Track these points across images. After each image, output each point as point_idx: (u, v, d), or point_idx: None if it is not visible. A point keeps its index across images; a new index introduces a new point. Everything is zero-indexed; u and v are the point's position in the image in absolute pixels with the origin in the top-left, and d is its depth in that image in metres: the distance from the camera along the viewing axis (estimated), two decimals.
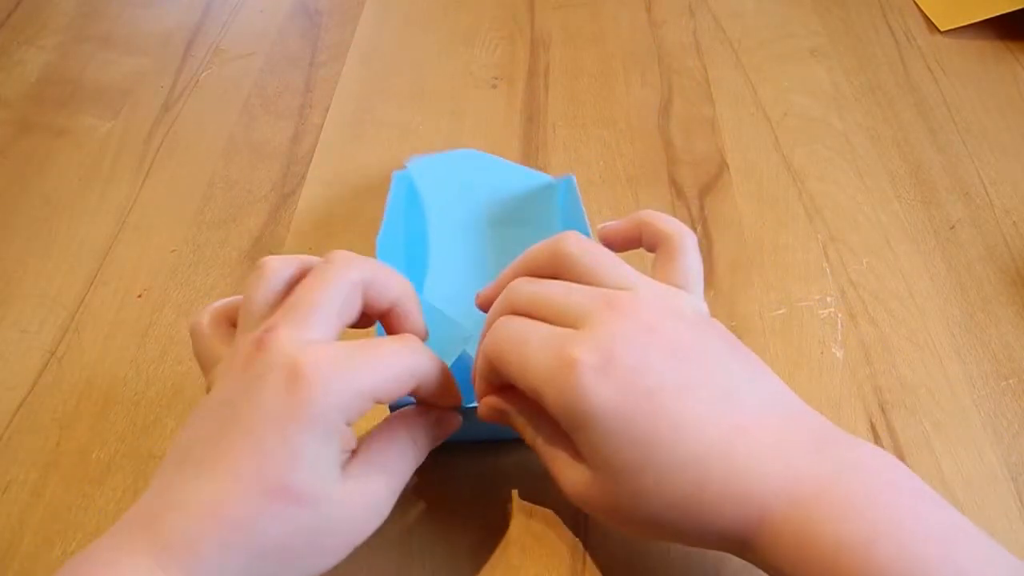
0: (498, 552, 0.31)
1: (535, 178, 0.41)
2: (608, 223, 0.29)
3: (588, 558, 0.30)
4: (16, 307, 0.39)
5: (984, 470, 0.33)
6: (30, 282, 0.40)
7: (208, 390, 0.25)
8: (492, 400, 0.28)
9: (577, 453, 0.24)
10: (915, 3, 0.59)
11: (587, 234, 0.34)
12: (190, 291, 0.40)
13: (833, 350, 0.37)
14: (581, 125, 0.49)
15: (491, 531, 0.31)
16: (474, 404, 0.28)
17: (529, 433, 0.27)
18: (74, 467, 0.33)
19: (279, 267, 0.25)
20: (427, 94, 0.51)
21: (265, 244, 0.42)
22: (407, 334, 0.27)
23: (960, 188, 0.46)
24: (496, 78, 0.52)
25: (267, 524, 0.21)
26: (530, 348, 0.24)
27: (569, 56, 0.54)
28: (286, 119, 0.49)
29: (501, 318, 0.26)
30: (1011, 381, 0.36)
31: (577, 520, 0.31)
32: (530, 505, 0.32)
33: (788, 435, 0.23)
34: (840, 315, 0.39)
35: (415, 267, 0.39)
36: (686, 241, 0.27)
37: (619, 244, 0.29)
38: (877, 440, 0.34)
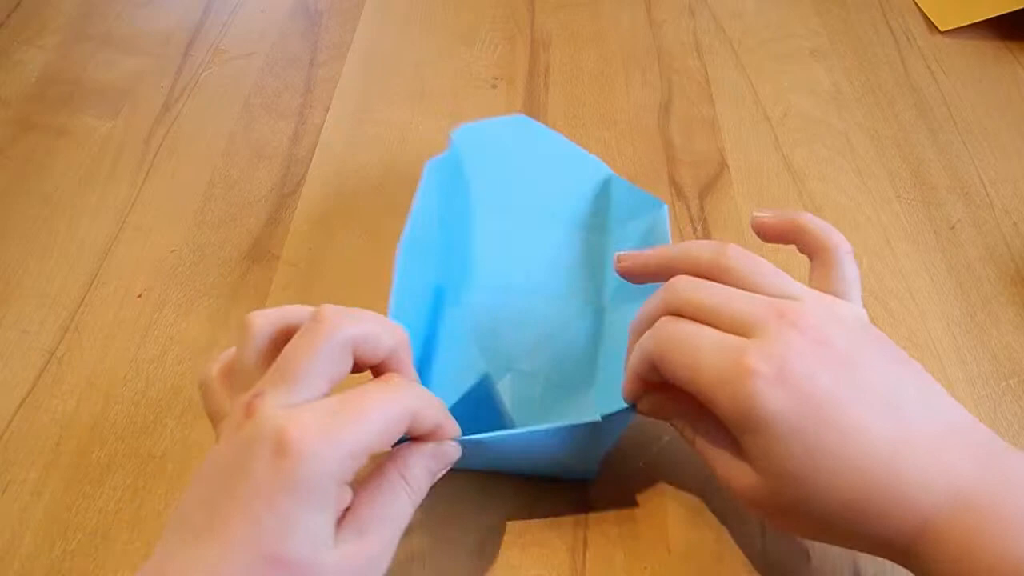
0: (498, 552, 0.31)
1: (590, 164, 0.39)
2: (763, 213, 0.30)
3: (588, 558, 0.31)
4: (16, 307, 0.39)
5: None
6: (30, 282, 0.40)
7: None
8: (657, 398, 0.28)
9: (741, 453, 0.25)
10: (915, 3, 0.59)
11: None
12: (190, 291, 0.40)
13: None
14: (581, 125, 0.49)
15: (491, 531, 0.31)
16: (478, 436, 0.28)
17: (689, 432, 0.28)
18: (74, 467, 0.33)
19: (263, 324, 0.25)
20: (427, 94, 0.51)
21: (265, 244, 0.42)
22: (390, 374, 0.26)
23: (960, 188, 0.46)
24: (496, 78, 0.52)
25: None
26: (703, 354, 0.25)
27: (569, 56, 0.54)
28: (286, 119, 0.49)
29: (665, 317, 0.27)
30: (1011, 381, 0.36)
31: (577, 520, 0.31)
32: (530, 505, 0.32)
33: (953, 446, 0.23)
34: None
35: (455, 256, 0.38)
36: (844, 251, 0.28)
37: (770, 236, 0.30)
38: None
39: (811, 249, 0.29)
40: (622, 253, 0.30)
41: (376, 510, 0.24)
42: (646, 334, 0.27)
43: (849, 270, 0.28)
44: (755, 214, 0.30)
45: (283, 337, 0.25)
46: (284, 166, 0.46)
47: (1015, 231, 0.43)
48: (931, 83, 0.52)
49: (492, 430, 0.28)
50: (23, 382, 0.36)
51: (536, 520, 0.31)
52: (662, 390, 0.28)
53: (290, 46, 0.55)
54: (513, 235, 0.39)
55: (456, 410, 0.27)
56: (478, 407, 0.28)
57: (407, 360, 0.27)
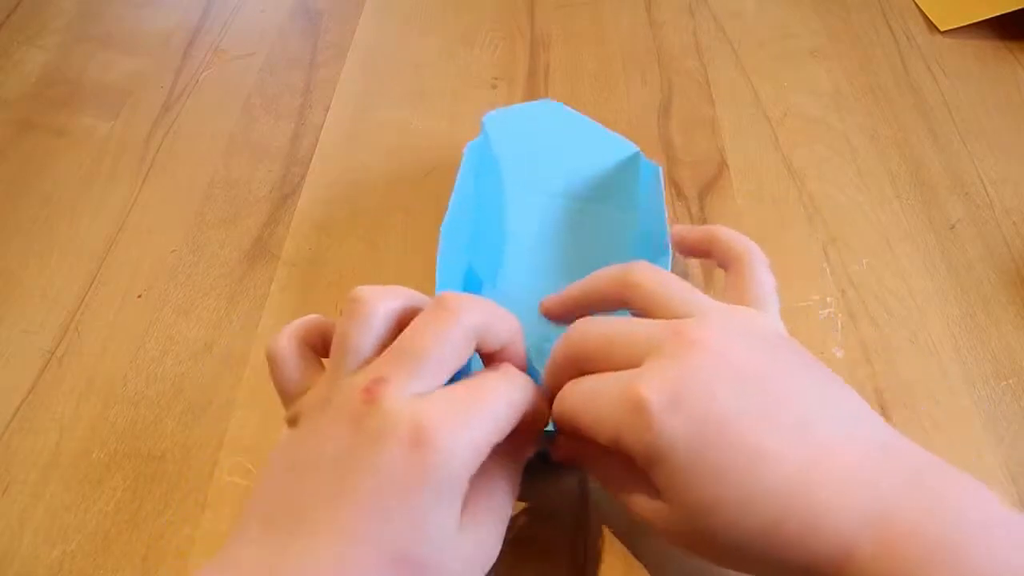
0: (498, 552, 0.31)
1: (617, 144, 0.40)
2: (681, 226, 0.30)
3: (588, 558, 0.30)
4: (16, 307, 0.39)
5: (984, 471, 0.33)
6: (30, 282, 0.40)
7: (289, 421, 0.24)
8: (568, 448, 0.28)
9: (654, 489, 0.24)
10: (915, 3, 0.59)
11: (664, 228, 0.33)
12: (190, 291, 0.40)
13: (833, 350, 0.37)
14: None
15: None
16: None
17: (602, 474, 0.26)
18: (74, 467, 0.33)
19: (383, 307, 0.23)
20: (427, 94, 0.51)
21: (265, 244, 0.42)
22: (507, 364, 0.25)
23: (960, 188, 0.46)
24: (496, 78, 0.52)
25: None
26: (600, 402, 0.24)
27: (569, 56, 0.54)
28: (286, 119, 0.49)
29: (569, 383, 0.26)
30: (1011, 381, 0.36)
31: (577, 520, 0.31)
32: (530, 505, 0.32)
33: (873, 467, 0.22)
34: (840, 315, 0.39)
35: (487, 237, 0.38)
36: (755, 259, 0.27)
37: (687, 249, 0.29)
38: None
39: (725, 260, 0.28)
40: (543, 300, 0.30)
41: (485, 501, 0.24)
42: (556, 401, 0.26)
43: (762, 279, 0.26)
44: (673, 228, 0.30)
45: (401, 322, 0.24)
46: (284, 166, 0.46)
47: (1015, 231, 0.43)
48: (931, 83, 0.52)
49: None
50: (23, 382, 0.36)
51: (536, 520, 0.31)
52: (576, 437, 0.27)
53: (290, 46, 0.55)
54: (544, 216, 0.40)
55: None
56: None
57: (521, 351, 0.26)
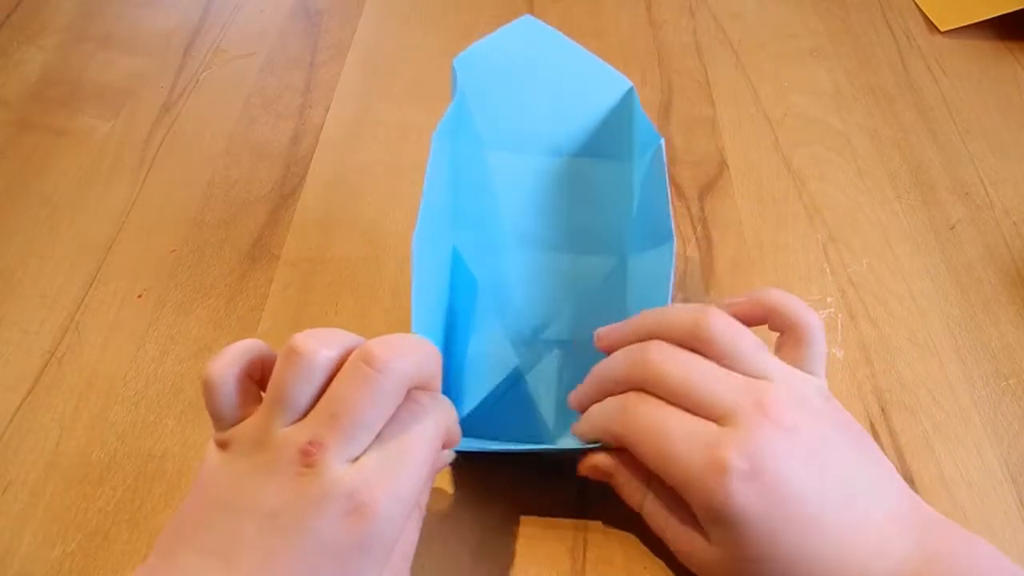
0: (498, 552, 0.31)
1: (608, 77, 0.35)
2: (734, 301, 0.29)
3: (588, 558, 0.30)
4: (16, 307, 0.39)
5: (984, 470, 0.33)
6: (30, 282, 0.40)
7: (220, 444, 0.24)
8: (602, 461, 0.29)
9: (694, 521, 0.26)
10: (915, 3, 0.59)
11: (667, 211, 0.30)
12: (190, 291, 0.40)
13: (833, 350, 0.37)
14: None
15: (491, 531, 0.31)
16: (476, 447, 0.28)
17: (638, 498, 0.28)
18: (74, 467, 0.33)
19: (322, 358, 0.23)
20: (427, 94, 0.51)
21: (265, 244, 0.42)
22: (428, 395, 0.25)
23: (960, 188, 0.46)
24: None
25: None
26: (675, 443, 0.25)
27: None
28: (286, 119, 0.49)
29: (634, 396, 0.27)
30: (1011, 381, 0.36)
31: (577, 520, 0.31)
32: (530, 505, 0.32)
33: (894, 528, 0.25)
34: (840, 315, 0.39)
35: (470, 211, 0.35)
36: (814, 327, 0.28)
37: (746, 323, 0.29)
38: (877, 440, 0.34)
39: (783, 327, 0.29)
40: (600, 331, 0.30)
41: (400, 546, 0.24)
42: (612, 407, 0.27)
43: (820, 347, 0.28)
44: (726, 302, 0.29)
45: (338, 369, 0.23)
46: (284, 166, 0.46)
47: (1015, 231, 0.43)
48: (931, 83, 0.52)
49: (521, 418, 0.28)
50: (23, 382, 0.36)
51: (536, 520, 0.31)
52: (618, 454, 0.28)
53: (290, 46, 0.55)
54: (531, 180, 0.36)
55: (487, 401, 0.27)
56: (507, 396, 0.29)
57: (439, 378, 0.26)
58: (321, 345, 0.23)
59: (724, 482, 0.24)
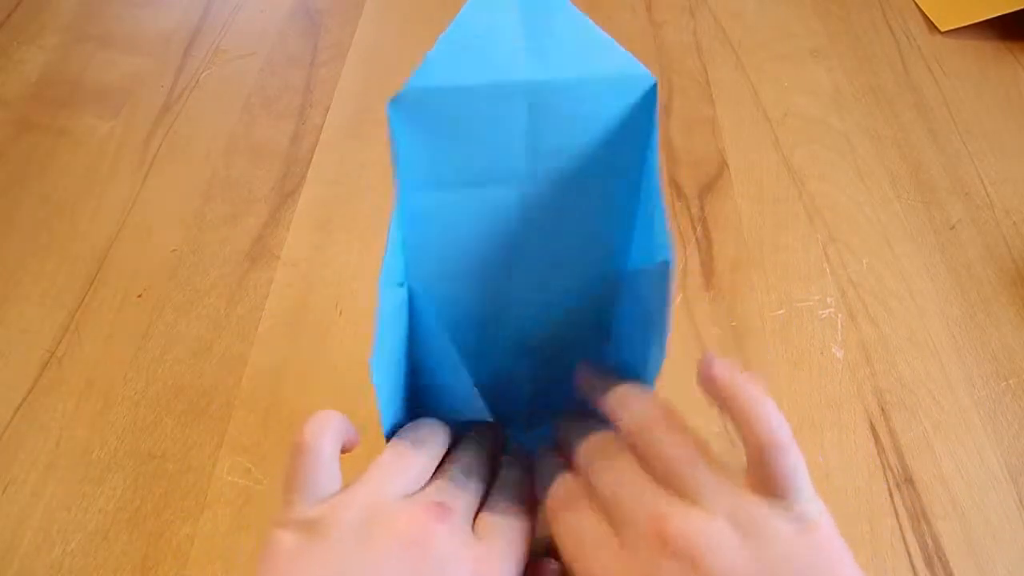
0: None
1: (613, 54, 0.24)
2: (714, 369, 0.23)
3: None
4: (16, 307, 0.39)
5: (984, 470, 0.33)
6: (30, 282, 0.40)
7: (298, 525, 0.22)
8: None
9: None
10: (915, 3, 0.59)
11: (662, 345, 0.26)
12: (190, 291, 0.40)
13: (833, 350, 0.37)
14: None
15: None
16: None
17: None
18: (74, 467, 0.33)
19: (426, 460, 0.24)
20: None
21: (265, 244, 0.42)
22: (516, 493, 0.26)
23: (960, 188, 0.46)
24: None
25: None
26: (585, 552, 0.23)
27: None
28: (286, 119, 0.49)
29: (569, 513, 0.25)
30: (1011, 381, 0.36)
31: None
32: None
33: None
34: (840, 315, 0.39)
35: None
36: (770, 449, 0.22)
37: (708, 393, 0.24)
38: (877, 440, 0.34)
39: (741, 432, 0.23)
40: (584, 371, 0.28)
41: None
42: (552, 487, 0.26)
43: (782, 466, 0.22)
44: (707, 363, 0.24)
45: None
46: (284, 166, 0.46)
47: (1015, 231, 0.43)
48: (931, 83, 0.52)
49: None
50: (23, 382, 0.36)
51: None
52: None
53: (290, 46, 0.55)
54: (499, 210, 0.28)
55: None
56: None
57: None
58: (423, 451, 0.24)
59: None
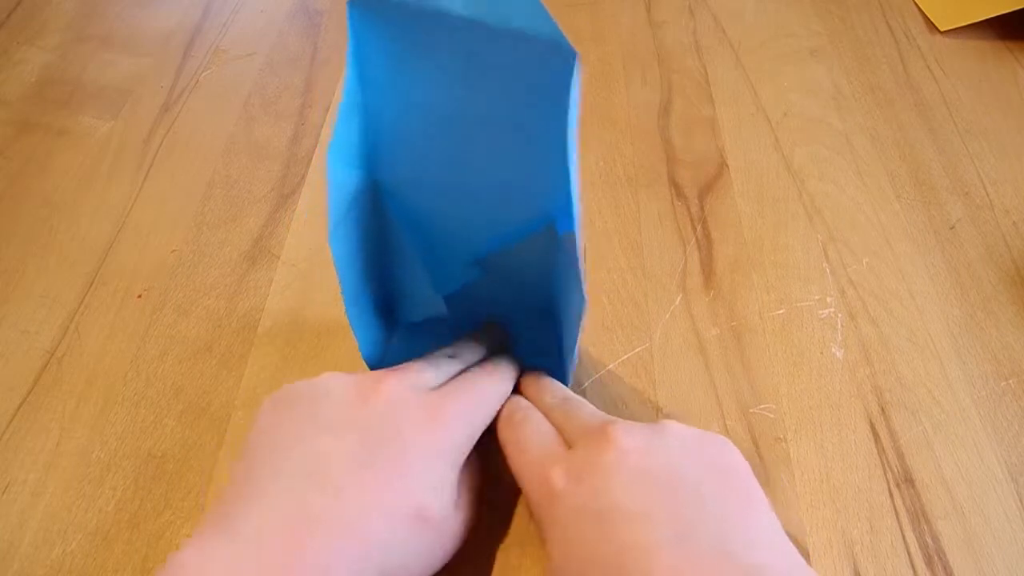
0: (498, 552, 0.31)
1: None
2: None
3: None
4: (16, 307, 0.39)
5: (984, 470, 0.33)
6: (30, 282, 0.40)
7: (275, 397, 0.27)
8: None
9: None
10: (915, 3, 0.59)
11: (582, 299, 0.27)
12: (190, 291, 0.40)
13: (833, 350, 0.37)
14: (581, 124, 0.49)
15: (491, 531, 0.31)
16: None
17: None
18: (74, 467, 0.33)
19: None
20: None
21: (265, 244, 0.42)
22: (494, 365, 0.30)
23: (960, 188, 0.46)
24: None
25: (402, 544, 0.23)
26: (526, 452, 0.28)
27: None
28: (286, 119, 0.49)
29: (522, 416, 0.30)
30: (1011, 381, 0.37)
31: None
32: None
33: None
34: (840, 315, 0.39)
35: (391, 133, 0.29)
36: (555, 392, 0.31)
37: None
38: (877, 440, 0.34)
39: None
40: (532, 379, 0.32)
41: (466, 481, 0.28)
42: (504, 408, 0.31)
43: (591, 412, 0.29)
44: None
45: None
46: (284, 166, 0.46)
47: (1015, 231, 0.43)
48: (931, 83, 0.52)
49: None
50: (23, 382, 0.36)
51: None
52: None
53: (290, 46, 0.55)
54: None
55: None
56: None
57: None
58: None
59: (546, 490, 0.25)
